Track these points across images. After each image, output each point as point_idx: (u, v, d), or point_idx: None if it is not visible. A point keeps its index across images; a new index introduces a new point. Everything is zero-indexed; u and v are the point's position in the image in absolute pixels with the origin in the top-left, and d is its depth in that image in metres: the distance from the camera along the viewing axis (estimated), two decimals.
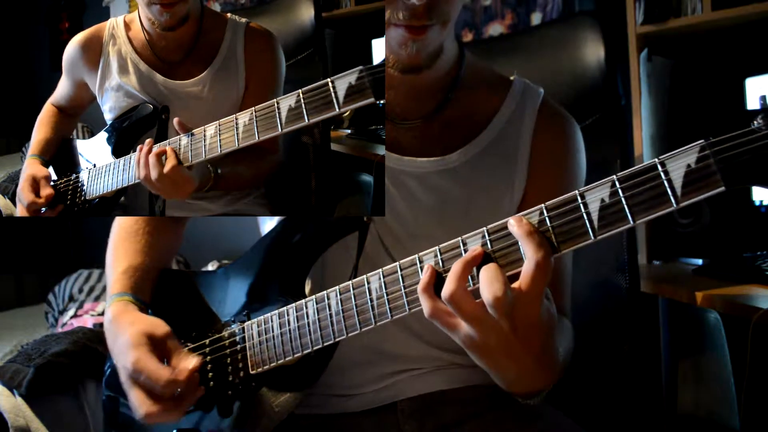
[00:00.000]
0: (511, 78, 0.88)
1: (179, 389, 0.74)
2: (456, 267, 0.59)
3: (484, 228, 0.60)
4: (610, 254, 1.06)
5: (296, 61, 1.23)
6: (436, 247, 0.62)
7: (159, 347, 0.76)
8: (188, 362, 0.75)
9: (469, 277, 0.59)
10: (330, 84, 0.73)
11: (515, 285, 0.57)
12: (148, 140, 0.88)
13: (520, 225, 0.57)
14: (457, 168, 0.82)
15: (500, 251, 0.59)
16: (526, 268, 0.56)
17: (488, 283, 0.56)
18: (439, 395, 0.83)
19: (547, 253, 0.56)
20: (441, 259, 0.62)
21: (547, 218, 0.57)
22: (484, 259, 0.59)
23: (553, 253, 0.56)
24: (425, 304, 0.61)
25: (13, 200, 1.16)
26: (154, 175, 0.85)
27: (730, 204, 1.59)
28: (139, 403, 0.75)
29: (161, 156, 0.85)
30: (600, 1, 1.98)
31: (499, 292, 0.55)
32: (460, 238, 0.61)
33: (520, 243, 0.57)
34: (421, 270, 0.62)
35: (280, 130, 0.77)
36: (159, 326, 0.78)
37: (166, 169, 0.85)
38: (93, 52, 1.04)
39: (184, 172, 0.85)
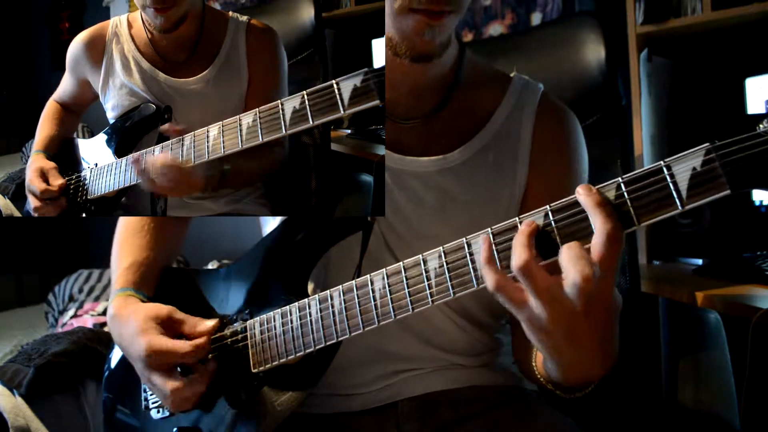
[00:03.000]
0: (511, 75, 0.88)
1: (202, 355, 0.75)
2: (521, 238, 0.55)
3: (489, 229, 0.60)
4: None
5: (296, 61, 1.23)
6: (440, 248, 0.62)
7: (167, 326, 0.77)
8: (203, 326, 0.76)
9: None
10: (335, 86, 0.73)
11: None
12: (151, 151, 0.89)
13: (590, 194, 0.54)
14: (459, 166, 0.82)
15: (504, 252, 0.59)
16: (596, 241, 0.53)
17: (574, 260, 0.52)
18: (439, 395, 0.83)
19: (617, 223, 0.53)
20: (445, 260, 0.62)
21: (552, 220, 0.57)
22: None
23: (556, 255, 0.56)
24: (490, 277, 0.57)
25: (13, 200, 1.16)
26: (153, 174, 0.86)
27: (730, 204, 1.59)
28: (161, 385, 0.75)
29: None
30: (600, 1, 1.98)
31: (587, 270, 0.52)
32: (464, 239, 0.61)
33: (588, 214, 0.54)
34: (426, 270, 0.62)
35: (284, 131, 0.77)
36: (161, 308, 0.79)
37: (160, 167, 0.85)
38: (96, 51, 1.04)
39: (183, 170, 0.85)
